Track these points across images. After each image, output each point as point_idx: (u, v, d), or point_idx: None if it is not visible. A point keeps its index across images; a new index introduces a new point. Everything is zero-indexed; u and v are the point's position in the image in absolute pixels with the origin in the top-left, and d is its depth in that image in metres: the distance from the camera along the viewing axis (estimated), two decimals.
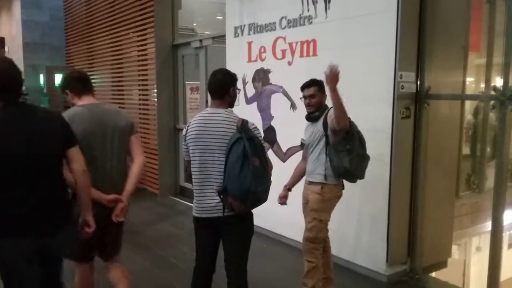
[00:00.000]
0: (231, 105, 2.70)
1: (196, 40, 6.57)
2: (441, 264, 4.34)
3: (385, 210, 3.84)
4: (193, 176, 2.64)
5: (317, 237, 3.21)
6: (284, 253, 4.61)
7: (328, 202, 3.22)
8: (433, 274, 4.23)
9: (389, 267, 3.91)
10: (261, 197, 2.50)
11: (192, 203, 2.69)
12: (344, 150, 3.08)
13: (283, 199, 3.46)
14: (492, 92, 3.55)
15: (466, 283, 6.00)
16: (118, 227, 2.82)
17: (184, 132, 2.71)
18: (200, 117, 2.65)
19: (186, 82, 7.03)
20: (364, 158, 3.18)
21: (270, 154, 4.78)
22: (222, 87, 2.65)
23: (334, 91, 2.89)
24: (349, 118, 3.11)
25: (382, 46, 3.77)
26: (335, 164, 3.10)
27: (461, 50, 4.32)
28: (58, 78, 10.19)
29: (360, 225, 4.06)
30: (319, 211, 3.20)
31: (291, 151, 4.65)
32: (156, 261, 4.47)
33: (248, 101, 5.21)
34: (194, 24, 8.00)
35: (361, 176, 3.22)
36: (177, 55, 7.06)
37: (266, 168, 2.53)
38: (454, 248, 5.36)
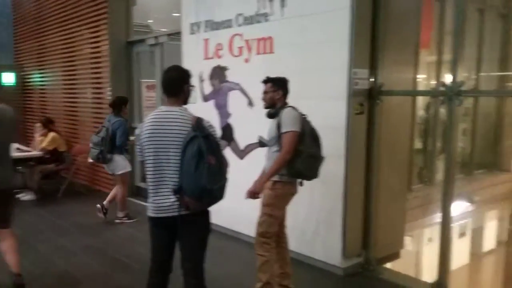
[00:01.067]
0: (186, 102, 2.67)
1: (151, 37, 6.46)
2: (395, 256, 4.47)
3: (340, 204, 3.92)
4: (147, 176, 2.60)
5: (267, 232, 3.24)
6: (243, 250, 4.61)
7: (279, 198, 3.26)
8: (387, 265, 4.34)
9: (345, 260, 3.99)
10: (217, 195, 2.49)
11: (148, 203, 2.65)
12: (296, 151, 3.12)
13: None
14: (442, 88, 3.69)
15: (418, 273, 6.23)
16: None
17: (137, 131, 2.66)
18: (154, 116, 2.61)
19: (142, 80, 6.90)
20: (317, 158, 3.22)
21: (228, 151, 4.79)
22: (176, 84, 2.63)
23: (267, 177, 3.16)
24: (304, 116, 3.20)
25: (337, 43, 3.84)
26: (287, 165, 3.14)
27: (413, 47, 4.47)
28: (6, 77, 9.81)
29: (316, 220, 4.12)
30: (270, 206, 3.24)
31: (249, 148, 4.66)
32: (113, 263, 4.37)
33: (205, 98, 5.17)
34: (150, 21, 7.86)
35: (315, 175, 3.25)
36: (132, 52, 6.91)
37: (222, 166, 2.51)
38: (408, 239, 5.56)
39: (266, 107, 3.33)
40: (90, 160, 5.77)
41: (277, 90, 3.28)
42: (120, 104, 5.50)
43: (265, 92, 3.31)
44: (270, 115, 3.31)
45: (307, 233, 4.18)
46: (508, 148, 8.28)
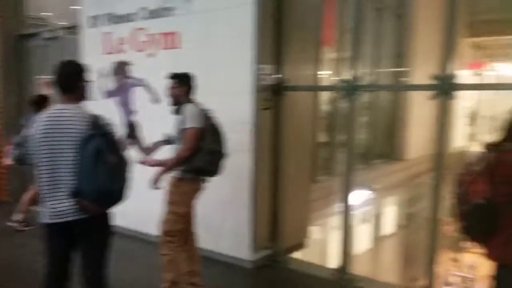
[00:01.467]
0: (83, 99, 2.53)
1: (46, 31, 6.03)
2: (301, 245, 4.65)
3: (248, 198, 3.98)
4: (41, 180, 2.41)
5: (172, 230, 3.20)
6: (150, 252, 4.43)
7: (184, 195, 3.23)
8: (295, 255, 4.50)
9: (254, 253, 4.07)
10: (117, 196, 2.40)
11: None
12: (196, 148, 3.11)
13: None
14: (341, 83, 3.88)
15: (326, 260, 6.54)
16: None
17: (29, 132, 2.47)
18: (48, 115, 2.43)
19: (38, 77, 6.40)
20: (217, 154, 3.22)
21: (133, 150, 4.62)
22: (70, 80, 2.48)
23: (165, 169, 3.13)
24: (206, 112, 3.19)
25: (241, 39, 3.88)
26: (187, 162, 3.13)
27: (315, 44, 4.65)
28: None
29: (225, 215, 4.15)
30: (175, 204, 3.21)
31: (155, 146, 4.52)
32: (5, 274, 4.05)
33: (108, 95, 4.94)
34: (46, 14, 7.31)
35: (217, 171, 3.26)
36: (25, 46, 6.40)
37: (122, 165, 2.43)
38: (315, 229, 5.81)
39: (173, 104, 3.28)
40: (9, 163, 5.23)
41: (181, 86, 3.24)
42: (41, 103, 5.06)
43: (170, 88, 3.27)
44: (176, 112, 3.26)
45: (216, 229, 4.19)
46: (403, 139, 8.99)
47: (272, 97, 4.08)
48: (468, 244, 2.88)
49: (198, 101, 3.27)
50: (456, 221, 2.68)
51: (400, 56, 8.97)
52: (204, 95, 3.42)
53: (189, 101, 3.24)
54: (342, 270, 3.93)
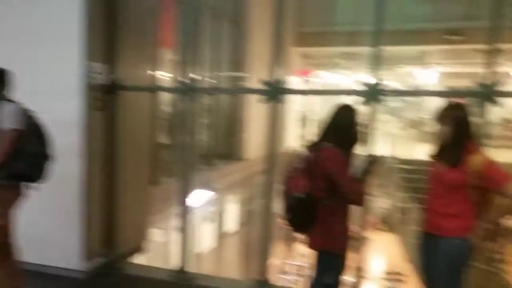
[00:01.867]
0: None
1: None
2: (141, 249, 4.53)
3: (78, 204, 3.74)
4: None
5: None
6: None
7: (2, 205, 2.90)
8: (134, 260, 4.37)
9: (86, 262, 3.83)
10: None
11: None
12: (14, 151, 2.82)
13: None
14: (177, 85, 3.91)
15: (169, 262, 6.49)
16: None
17: None
18: None
19: None
20: (42, 157, 2.97)
21: None
22: None
23: None
24: (29, 112, 2.91)
25: (68, 33, 3.62)
26: (4, 167, 2.81)
27: (153, 45, 4.58)
28: None
29: (51, 223, 3.82)
30: None
31: None
32: None
33: None
34: None
35: (41, 176, 2.99)
36: None
37: None
38: (156, 231, 5.72)
39: None
40: None
41: None
42: None
43: None
44: None
45: (42, 240, 3.81)
46: (242, 140, 9.46)
47: (105, 97, 3.89)
48: (296, 234, 3.20)
49: (16, 99, 2.94)
50: (283, 214, 2.93)
51: (238, 62, 9.43)
52: (24, 93, 3.06)
53: (4, 98, 2.89)
54: (182, 270, 3.95)
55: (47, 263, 3.85)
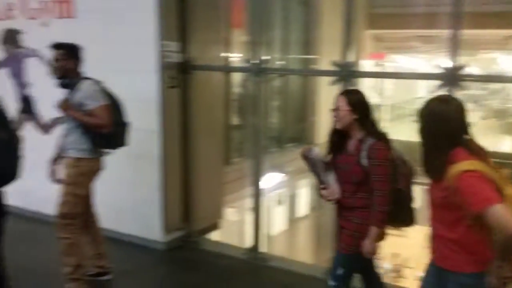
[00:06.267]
0: None
1: None
2: (215, 226, 4.56)
3: (157, 179, 3.82)
4: None
5: (71, 213, 3.00)
6: (51, 234, 4.15)
7: (84, 176, 3.03)
8: (209, 236, 4.41)
9: (166, 234, 3.92)
10: (10, 175, 2.27)
11: None
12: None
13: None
14: (247, 65, 3.83)
15: (240, 241, 6.52)
16: None
17: None
18: None
19: None
20: (121, 126, 3.08)
21: (30, 126, 4.20)
22: None
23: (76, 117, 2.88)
24: (105, 89, 3.00)
25: (145, 14, 3.68)
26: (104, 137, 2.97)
27: (225, 25, 4.55)
28: None
29: (133, 196, 3.95)
30: (74, 185, 3.00)
31: (55, 122, 4.14)
32: None
33: None
34: None
35: (123, 143, 3.11)
36: None
37: (13, 142, 2.29)
38: (230, 210, 5.75)
39: (59, 77, 2.99)
40: None
41: (69, 58, 2.97)
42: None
43: (56, 60, 2.97)
44: (65, 85, 2.99)
45: (123, 210, 3.97)
46: (312, 123, 9.25)
47: (179, 76, 3.91)
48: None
49: (93, 76, 3.04)
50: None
51: (308, 43, 9.18)
52: (104, 71, 3.19)
53: (80, 75, 3.01)
54: (255, 249, 3.91)
55: (128, 232, 4.00)
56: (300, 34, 9.06)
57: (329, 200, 2.41)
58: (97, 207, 3.28)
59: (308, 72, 9.15)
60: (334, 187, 2.38)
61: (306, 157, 2.40)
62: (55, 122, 3.20)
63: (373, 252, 2.33)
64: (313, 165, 2.40)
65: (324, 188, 2.40)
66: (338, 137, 2.38)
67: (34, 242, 4.03)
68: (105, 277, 3.29)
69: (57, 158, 3.12)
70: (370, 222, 2.26)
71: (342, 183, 2.35)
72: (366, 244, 2.27)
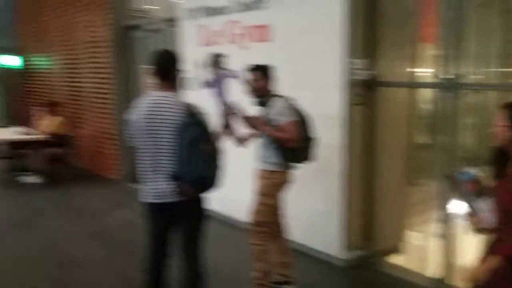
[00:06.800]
0: (177, 88, 2.65)
1: (148, 23, 6.35)
2: (397, 249, 4.35)
3: (339, 195, 3.82)
4: (142, 162, 2.61)
5: (263, 221, 3.20)
6: (243, 238, 4.50)
7: (276, 187, 3.22)
8: (390, 259, 4.22)
9: (346, 251, 3.90)
10: (211, 183, 2.51)
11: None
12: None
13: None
14: (438, 81, 3.62)
15: (423, 268, 6.08)
16: None
17: (129, 116, 2.63)
18: (149, 101, 2.60)
19: (142, 66, 6.72)
20: (309, 141, 3.21)
21: (228, 140, 4.66)
22: (168, 69, 2.62)
23: (263, 130, 3.10)
24: (294, 105, 3.14)
25: (332, 32, 3.75)
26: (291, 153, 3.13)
27: (412, 40, 4.34)
28: (9, 60, 10.06)
29: (315, 209, 4.03)
30: (266, 195, 3.21)
31: (250, 136, 4.53)
32: (113, 247, 4.40)
33: (204, 86, 5.04)
34: (149, 7, 7.71)
35: (308, 158, 3.23)
36: (129, 37, 6.75)
37: (215, 153, 2.54)
38: (413, 234, 5.40)
39: (256, 96, 3.25)
40: None
41: (264, 78, 3.22)
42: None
43: (254, 80, 3.23)
44: (261, 103, 3.24)
45: (307, 223, 4.07)
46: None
47: (365, 93, 3.86)
48: None
49: (283, 93, 3.23)
50: None
51: (510, 55, 8.08)
52: (293, 88, 3.38)
53: (273, 93, 3.21)
54: (442, 281, 3.60)
55: (310, 245, 4.10)
56: (501, 45, 8.05)
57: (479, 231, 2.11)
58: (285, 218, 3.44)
59: (510, 87, 8.06)
60: (485, 215, 2.09)
61: (454, 180, 2.14)
62: (250, 136, 3.48)
63: None
64: (461, 189, 2.14)
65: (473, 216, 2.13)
66: (502, 158, 2.05)
67: (225, 244, 4.38)
68: (289, 287, 3.42)
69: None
70: None
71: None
72: None
